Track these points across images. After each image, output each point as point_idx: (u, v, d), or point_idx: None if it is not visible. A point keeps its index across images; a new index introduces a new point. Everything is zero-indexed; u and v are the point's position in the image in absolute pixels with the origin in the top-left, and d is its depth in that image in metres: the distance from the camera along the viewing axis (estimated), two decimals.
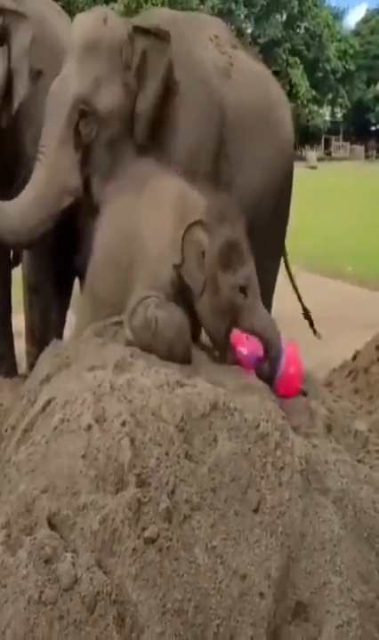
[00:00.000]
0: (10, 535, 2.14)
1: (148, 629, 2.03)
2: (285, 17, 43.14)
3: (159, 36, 3.48)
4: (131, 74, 3.46)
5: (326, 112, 49.62)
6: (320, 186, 21.69)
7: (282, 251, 4.57)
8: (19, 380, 3.86)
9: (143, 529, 2.15)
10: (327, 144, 49.29)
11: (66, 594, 1.99)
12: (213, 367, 2.95)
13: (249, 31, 40.83)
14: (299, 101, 39.87)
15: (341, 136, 50.66)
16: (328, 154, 46.91)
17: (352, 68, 46.91)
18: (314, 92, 42.66)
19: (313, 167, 34.04)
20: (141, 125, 3.50)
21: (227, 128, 3.87)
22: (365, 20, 52.04)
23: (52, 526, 2.15)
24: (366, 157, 46.57)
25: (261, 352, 3.02)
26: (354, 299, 8.33)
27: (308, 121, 42.44)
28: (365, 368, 4.42)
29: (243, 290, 2.92)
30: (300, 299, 4.90)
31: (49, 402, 2.57)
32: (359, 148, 47.96)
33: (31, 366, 3.77)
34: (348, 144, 49.75)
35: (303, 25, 44.22)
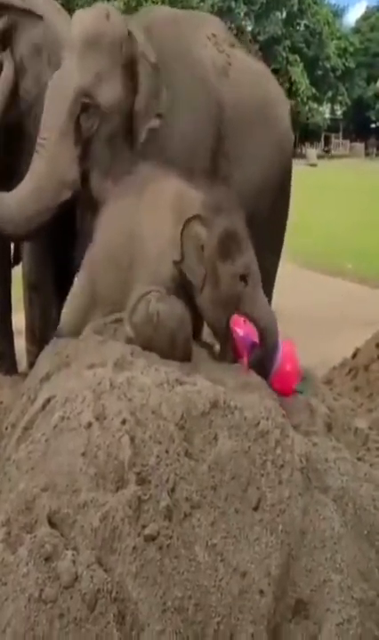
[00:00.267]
0: (10, 533, 2.14)
1: (148, 627, 2.03)
2: (284, 14, 43.01)
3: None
4: (129, 71, 3.46)
5: (325, 110, 49.54)
6: (320, 183, 21.67)
7: (282, 245, 4.57)
8: (19, 378, 3.87)
9: (143, 527, 2.15)
10: (327, 142, 49.24)
11: (66, 592, 1.99)
12: (213, 365, 2.96)
13: (249, 29, 40.74)
14: (299, 99, 39.82)
15: (340, 134, 50.57)
16: (327, 151, 46.83)
17: (352, 65, 46.81)
18: (314, 90, 42.57)
19: (313, 165, 33.99)
20: (139, 123, 3.50)
21: (225, 125, 3.88)
22: (365, 18, 51.92)
23: (52, 524, 2.16)
24: (366, 155, 46.44)
25: (256, 338, 3.03)
26: (354, 296, 8.32)
27: (308, 119, 42.37)
28: (365, 366, 4.42)
29: (243, 278, 2.94)
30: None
31: (49, 400, 2.58)
32: (359, 146, 47.84)
33: (31, 364, 3.77)
34: (348, 142, 49.68)
35: (303, 22, 44.11)
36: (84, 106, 3.40)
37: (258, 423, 2.47)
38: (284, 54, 41.06)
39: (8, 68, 3.79)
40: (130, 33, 3.45)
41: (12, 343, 4.46)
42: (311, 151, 39.30)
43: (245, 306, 2.99)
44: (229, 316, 3.02)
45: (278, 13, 42.47)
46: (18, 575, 2.00)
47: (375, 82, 46.75)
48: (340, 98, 48.41)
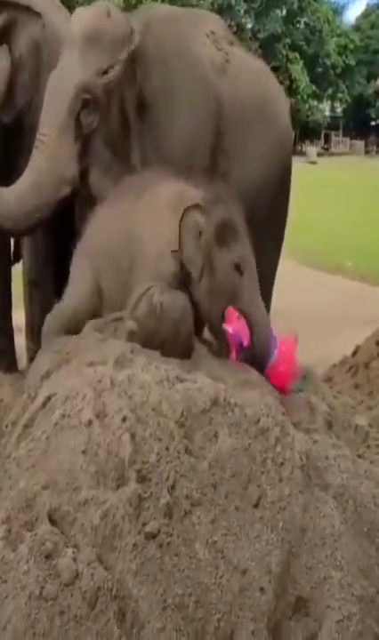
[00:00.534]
0: (10, 530, 2.14)
1: (148, 624, 2.03)
2: (284, 12, 42.96)
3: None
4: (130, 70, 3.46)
5: (325, 107, 49.49)
6: (320, 181, 21.66)
7: (281, 243, 4.57)
8: (19, 375, 3.86)
9: (144, 524, 2.16)
10: (327, 139, 49.21)
11: (67, 589, 1.99)
12: (213, 362, 2.95)
13: (249, 26, 40.73)
14: (299, 96, 39.79)
15: (340, 131, 50.54)
16: (326, 149, 46.80)
17: (352, 62, 46.76)
18: (314, 87, 42.53)
19: (313, 162, 33.99)
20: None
21: (224, 122, 3.88)
22: (365, 15, 51.81)
23: (52, 522, 2.16)
24: (366, 153, 46.44)
25: (246, 337, 2.99)
26: (354, 294, 8.32)
27: (308, 116, 42.35)
28: (365, 363, 4.41)
29: (238, 268, 2.95)
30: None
31: (49, 397, 2.57)
32: (359, 144, 47.83)
33: (31, 362, 3.77)
34: (348, 139, 49.66)
35: (303, 20, 44.06)
36: (85, 102, 3.41)
37: (258, 420, 2.47)
38: (284, 52, 41.03)
39: (4, 64, 3.79)
40: (132, 31, 3.44)
41: (13, 340, 4.46)
42: (311, 149, 39.33)
43: (240, 299, 2.99)
44: (225, 308, 3.00)
45: (278, 11, 42.41)
46: (18, 573, 2.01)
47: (376, 79, 46.66)
48: (340, 95, 48.35)
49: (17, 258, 4.42)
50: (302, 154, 35.54)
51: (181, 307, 2.92)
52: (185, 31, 3.90)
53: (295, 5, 42.43)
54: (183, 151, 3.66)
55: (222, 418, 2.45)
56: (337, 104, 51.05)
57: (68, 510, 2.18)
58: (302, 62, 41.62)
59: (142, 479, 2.23)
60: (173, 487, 2.24)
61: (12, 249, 4.42)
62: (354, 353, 4.65)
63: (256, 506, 2.31)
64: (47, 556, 2.03)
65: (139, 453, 2.28)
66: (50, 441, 2.39)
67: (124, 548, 2.12)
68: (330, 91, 47.41)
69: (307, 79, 41.58)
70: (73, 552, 2.06)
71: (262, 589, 2.18)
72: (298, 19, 43.95)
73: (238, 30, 33.15)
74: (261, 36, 40.21)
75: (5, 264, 4.38)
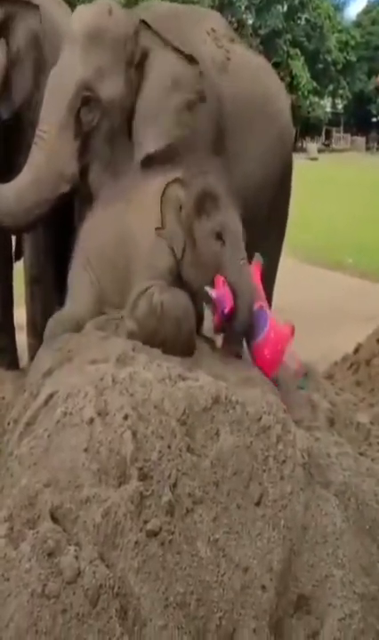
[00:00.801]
0: (13, 528, 2.14)
1: (150, 622, 2.04)
2: (285, 8, 42.86)
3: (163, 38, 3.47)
4: (133, 68, 3.45)
5: (326, 103, 49.39)
6: (321, 177, 21.64)
7: (283, 240, 4.57)
8: (20, 373, 3.87)
9: (145, 522, 2.16)
10: (328, 136, 49.16)
11: (69, 587, 1.99)
12: (215, 360, 2.96)
13: (250, 22, 40.64)
14: (299, 93, 39.71)
15: (341, 127, 50.49)
16: (327, 145, 46.74)
17: (353, 59, 46.65)
18: (315, 84, 42.43)
19: (314, 159, 33.95)
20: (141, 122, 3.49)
21: (225, 120, 3.86)
22: (366, 12, 51.68)
23: (54, 520, 2.16)
24: (367, 149, 46.35)
25: (228, 305, 2.94)
26: (355, 291, 8.31)
27: (308, 112, 42.25)
28: (366, 360, 4.42)
29: (219, 237, 2.94)
30: None
31: (51, 395, 2.57)
32: (360, 140, 47.75)
33: (33, 359, 3.77)
34: (349, 136, 49.59)
35: (304, 16, 43.93)
36: (85, 99, 3.40)
37: (260, 418, 2.48)
38: (285, 48, 40.91)
39: (1, 58, 3.78)
40: (137, 31, 3.43)
41: (14, 338, 4.46)
42: (312, 145, 39.25)
43: (223, 268, 2.96)
44: (209, 278, 2.97)
45: (279, 7, 42.31)
46: (20, 571, 2.01)
47: (377, 76, 46.59)
48: (341, 92, 48.26)
49: (18, 256, 4.42)
50: (303, 150, 35.49)
51: (183, 305, 2.92)
52: (185, 29, 3.88)
53: (296, 1, 42.33)
54: (183, 149, 3.65)
55: (224, 416, 2.45)
56: (338, 100, 50.96)
57: (70, 508, 2.19)
58: (302, 58, 41.52)
59: (144, 477, 2.24)
60: (174, 485, 2.24)
61: (14, 247, 4.41)
62: (355, 350, 4.66)
63: (258, 504, 2.32)
64: (49, 554, 2.04)
65: (140, 451, 2.28)
66: (52, 439, 2.39)
67: (126, 545, 2.12)
68: (331, 87, 47.32)
69: (308, 75, 41.48)
70: (75, 550, 2.06)
71: (263, 587, 2.19)
72: (299, 15, 43.82)
73: (239, 26, 33.16)
74: (261, 32, 40.13)
75: (7, 262, 4.37)
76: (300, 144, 38.49)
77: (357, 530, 2.43)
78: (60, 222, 3.75)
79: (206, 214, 2.95)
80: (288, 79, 37.21)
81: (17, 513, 2.19)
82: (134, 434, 2.31)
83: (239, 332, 3.04)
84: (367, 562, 2.37)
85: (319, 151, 38.38)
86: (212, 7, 28.77)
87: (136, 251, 3.06)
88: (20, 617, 1.95)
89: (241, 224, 3.03)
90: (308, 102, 41.70)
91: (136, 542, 2.12)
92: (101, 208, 3.29)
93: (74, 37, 3.45)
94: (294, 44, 41.82)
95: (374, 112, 50.40)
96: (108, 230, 3.19)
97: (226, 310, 2.93)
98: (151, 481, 2.23)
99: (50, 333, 3.17)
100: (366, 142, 47.80)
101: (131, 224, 3.11)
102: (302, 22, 43.98)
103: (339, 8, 50.32)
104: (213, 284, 2.95)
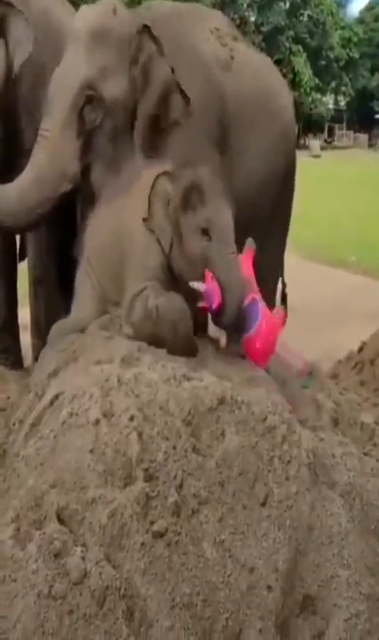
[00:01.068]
0: (19, 529, 2.15)
1: (157, 623, 2.04)
2: (288, 5, 42.81)
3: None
4: (137, 69, 3.45)
5: (329, 100, 49.33)
6: (323, 175, 21.60)
7: (286, 237, 4.57)
8: (25, 373, 3.87)
9: (152, 523, 2.17)
10: (331, 132, 49.10)
11: (75, 588, 2.00)
12: (219, 360, 2.96)
13: (252, 19, 40.57)
14: (302, 90, 39.64)
15: (344, 124, 50.43)
16: (329, 142, 46.67)
17: (356, 55, 46.59)
18: (317, 81, 42.36)
19: (316, 156, 33.90)
20: (141, 126, 3.49)
21: (228, 118, 3.87)
22: (369, 8, 51.57)
23: (61, 521, 2.17)
24: (370, 146, 46.24)
25: (217, 299, 2.92)
26: (358, 288, 8.31)
27: (311, 109, 42.19)
28: (371, 360, 4.41)
29: (205, 232, 2.93)
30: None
31: (57, 396, 2.58)
32: (363, 137, 47.67)
33: (37, 359, 3.77)
34: (351, 132, 49.52)
35: (307, 13, 43.88)
36: (89, 98, 3.40)
37: (265, 418, 2.48)
38: (287, 45, 40.85)
39: (1, 59, 3.77)
40: (141, 31, 3.43)
41: (18, 338, 4.46)
42: (315, 142, 39.18)
43: (210, 264, 2.94)
44: (197, 273, 2.96)
45: (282, 4, 42.26)
46: (27, 571, 2.02)
47: None
48: (343, 88, 48.18)
49: (22, 256, 4.42)
50: (305, 148, 35.45)
51: (178, 309, 2.90)
52: (188, 27, 3.88)
53: None
54: (187, 148, 3.65)
55: (229, 416, 2.46)
56: (341, 97, 50.85)
57: (76, 509, 2.19)
58: (305, 55, 41.45)
59: (150, 478, 2.24)
60: (180, 486, 2.25)
61: (18, 247, 4.41)
62: (360, 349, 4.65)
63: (263, 504, 2.32)
64: (56, 555, 2.04)
65: (146, 452, 2.28)
66: (57, 440, 2.40)
67: (132, 546, 2.12)
68: (333, 84, 47.26)
69: (310, 72, 41.41)
70: (81, 551, 2.07)
71: (269, 588, 2.19)
72: (301, 11, 43.77)
73: (241, 23, 33.00)
74: (264, 29, 40.05)
75: (11, 262, 4.38)
76: (302, 141, 38.44)
77: (362, 530, 2.43)
78: (63, 222, 3.76)
79: (192, 209, 2.94)
80: (291, 76, 37.12)
81: (23, 514, 2.20)
82: (140, 435, 2.31)
83: (229, 327, 3.02)
84: (373, 562, 2.38)
85: (322, 148, 38.34)
86: (214, 5, 28.74)
87: (131, 246, 3.07)
88: (27, 618, 1.96)
89: (231, 217, 3.01)
90: (310, 99, 41.62)
91: (142, 543, 2.13)
92: (103, 207, 3.30)
93: (78, 36, 3.45)
94: (297, 40, 41.77)
95: (377, 109, 50.29)
96: (107, 228, 3.20)
97: (214, 306, 2.92)
98: (157, 482, 2.24)
99: (53, 340, 3.18)
100: (369, 139, 47.70)
101: (127, 219, 3.11)
102: (305, 19, 43.95)
103: (341, 4, 50.32)
104: (202, 279, 2.93)
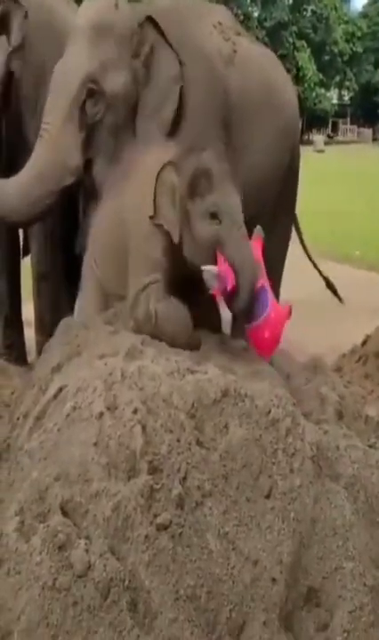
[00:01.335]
0: (23, 522, 2.16)
1: (161, 615, 2.05)
2: (291, 0, 42.80)
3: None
4: (138, 62, 3.45)
5: (333, 95, 49.30)
6: (327, 170, 21.58)
7: (290, 232, 4.56)
8: (28, 368, 3.87)
9: (155, 516, 2.17)
10: (335, 127, 49.04)
11: (79, 580, 2.01)
12: (223, 353, 2.95)
13: (255, 15, 40.54)
14: (306, 85, 39.65)
15: (348, 119, 50.37)
16: (332, 137, 46.60)
17: (360, 50, 46.57)
18: (321, 75, 42.39)
19: (320, 151, 33.87)
20: (145, 117, 3.49)
21: (232, 112, 3.86)
22: (372, 2, 51.42)
23: (64, 513, 2.17)
24: (374, 140, 46.20)
25: (231, 282, 2.88)
26: (362, 283, 8.28)
27: (315, 104, 42.17)
28: (375, 353, 4.40)
29: (214, 216, 2.90)
30: (319, 271, 4.89)
31: (60, 390, 2.58)
32: (367, 131, 47.64)
33: (40, 354, 3.77)
34: (355, 127, 49.45)
35: (310, 8, 43.86)
36: (90, 92, 3.40)
37: (269, 411, 2.48)
38: (291, 40, 40.85)
39: (2, 55, 3.78)
40: (144, 22, 3.43)
41: (22, 334, 4.48)
42: (318, 137, 39.13)
43: (223, 247, 2.90)
44: (209, 258, 2.92)
45: None
46: (32, 564, 2.02)
47: None
48: (347, 83, 48.18)
49: (26, 251, 4.42)
50: (309, 143, 35.39)
51: (176, 319, 2.91)
52: (191, 22, 3.88)
53: None
54: (192, 142, 3.65)
55: (233, 409, 2.46)
56: (344, 92, 50.86)
57: (79, 502, 2.19)
58: (308, 50, 41.45)
59: (154, 471, 2.24)
60: (184, 478, 2.25)
61: (21, 243, 4.42)
62: (364, 342, 4.64)
63: (267, 497, 2.32)
64: (60, 548, 2.05)
65: (150, 445, 2.29)
66: (61, 433, 2.40)
67: (136, 539, 2.13)
68: (337, 78, 47.24)
69: (314, 67, 41.41)
70: (85, 543, 2.07)
71: (273, 580, 2.19)
72: (305, 6, 43.74)
73: (245, 19, 33.02)
74: (267, 24, 40.03)
75: (15, 257, 4.38)
76: (306, 136, 38.37)
77: (366, 522, 2.43)
78: (67, 218, 3.76)
79: (200, 196, 2.90)
80: (294, 71, 37.13)
81: (28, 507, 2.20)
82: (144, 428, 2.31)
83: (242, 311, 3.00)
84: (377, 554, 2.37)
85: (326, 143, 38.26)
86: (217, 0, 28.68)
87: (133, 236, 3.06)
88: (32, 610, 1.96)
89: (239, 201, 2.99)
90: (314, 94, 41.63)
91: (146, 536, 2.13)
92: (105, 201, 3.29)
93: (80, 31, 3.45)
94: (300, 35, 41.75)
95: None
96: (110, 220, 3.20)
97: (229, 287, 2.88)
98: (161, 474, 2.24)
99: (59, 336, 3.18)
100: (373, 134, 47.67)
101: (128, 206, 3.10)
102: (308, 14, 43.91)
103: None
104: (214, 264, 2.90)
